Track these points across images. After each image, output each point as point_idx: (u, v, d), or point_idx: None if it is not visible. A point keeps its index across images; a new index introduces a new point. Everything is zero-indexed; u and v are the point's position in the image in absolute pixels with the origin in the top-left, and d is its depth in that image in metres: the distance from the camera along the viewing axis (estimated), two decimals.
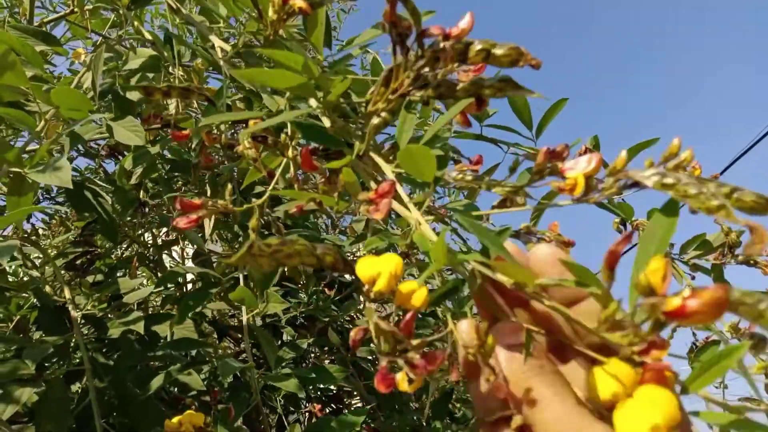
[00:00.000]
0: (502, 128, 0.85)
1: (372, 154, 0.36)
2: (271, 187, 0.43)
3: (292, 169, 0.45)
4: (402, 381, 0.25)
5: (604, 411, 0.23)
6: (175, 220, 0.38)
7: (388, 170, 0.34)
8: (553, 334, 0.28)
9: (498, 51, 0.28)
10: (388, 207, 0.29)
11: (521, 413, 0.25)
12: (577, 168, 0.28)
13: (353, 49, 0.51)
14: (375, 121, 0.34)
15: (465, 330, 0.28)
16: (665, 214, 0.25)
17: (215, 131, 0.62)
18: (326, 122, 0.41)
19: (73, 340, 0.81)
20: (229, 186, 0.40)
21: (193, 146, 0.92)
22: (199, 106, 0.83)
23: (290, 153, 0.45)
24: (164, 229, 1.33)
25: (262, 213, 0.42)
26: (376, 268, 0.25)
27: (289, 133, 0.45)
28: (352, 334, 0.27)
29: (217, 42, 0.67)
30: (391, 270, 0.25)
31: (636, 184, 0.26)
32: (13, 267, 1.14)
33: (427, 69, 0.30)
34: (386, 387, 0.25)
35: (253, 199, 0.41)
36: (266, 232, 0.95)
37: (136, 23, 0.92)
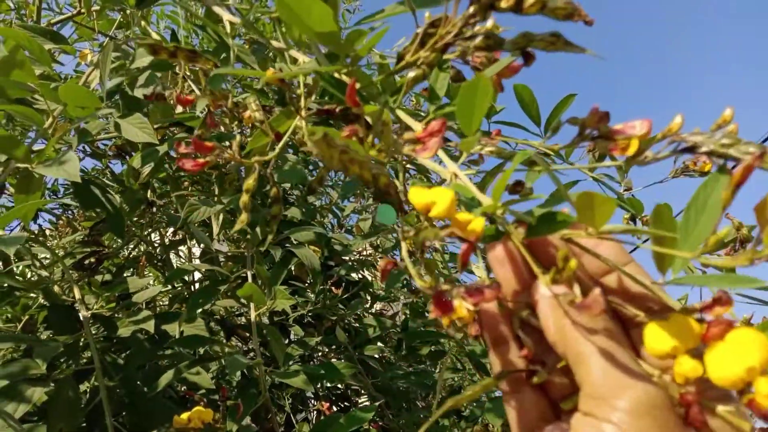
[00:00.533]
0: (510, 125, 0.85)
1: (399, 112, 0.35)
2: (279, 147, 0.42)
3: (304, 129, 0.43)
4: (460, 307, 0.25)
5: (656, 366, 0.23)
6: (180, 161, 0.37)
7: (417, 126, 0.33)
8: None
9: (554, 3, 0.28)
10: (438, 146, 0.28)
11: (566, 369, 0.25)
12: (631, 130, 0.28)
13: (375, 22, 0.50)
14: (412, 73, 0.33)
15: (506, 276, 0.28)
16: (720, 173, 0.25)
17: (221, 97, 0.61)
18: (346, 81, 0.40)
19: (82, 339, 0.81)
20: (238, 137, 0.39)
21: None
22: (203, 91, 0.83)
23: (304, 112, 0.43)
24: (171, 229, 1.33)
25: (270, 179, 0.41)
26: (430, 197, 0.25)
27: (304, 91, 0.43)
28: (381, 264, 0.27)
29: (225, 15, 0.67)
30: (450, 197, 0.25)
31: (690, 149, 0.26)
32: (21, 267, 1.14)
33: (477, 18, 0.30)
34: (442, 311, 0.25)
35: (255, 157, 0.40)
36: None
37: (143, 23, 0.93)
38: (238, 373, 0.98)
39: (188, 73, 0.77)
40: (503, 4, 0.29)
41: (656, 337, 0.22)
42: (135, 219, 1.16)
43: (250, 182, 0.40)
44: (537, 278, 0.26)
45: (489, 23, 0.35)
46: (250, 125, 0.49)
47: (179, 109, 0.81)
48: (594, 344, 0.24)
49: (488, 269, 0.30)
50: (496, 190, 0.26)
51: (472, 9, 0.30)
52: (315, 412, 1.24)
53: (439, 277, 0.26)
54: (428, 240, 0.25)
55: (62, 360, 0.85)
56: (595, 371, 0.23)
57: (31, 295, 0.97)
